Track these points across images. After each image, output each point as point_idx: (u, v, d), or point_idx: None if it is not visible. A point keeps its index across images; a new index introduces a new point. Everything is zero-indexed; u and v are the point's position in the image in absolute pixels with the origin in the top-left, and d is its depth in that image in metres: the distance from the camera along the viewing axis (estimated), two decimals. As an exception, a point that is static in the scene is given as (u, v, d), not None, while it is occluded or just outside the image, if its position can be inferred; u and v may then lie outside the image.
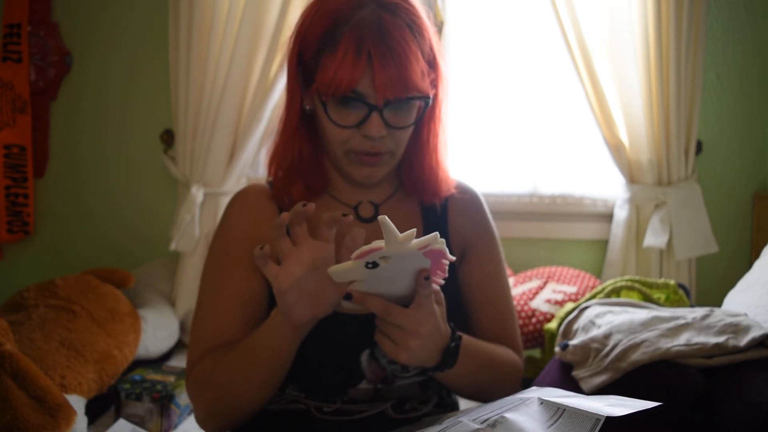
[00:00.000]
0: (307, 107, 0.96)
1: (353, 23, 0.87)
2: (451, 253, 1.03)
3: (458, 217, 1.07)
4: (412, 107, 0.92)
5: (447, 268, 0.81)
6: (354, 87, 0.87)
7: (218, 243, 1.02)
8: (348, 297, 0.80)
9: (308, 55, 0.92)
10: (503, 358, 1.03)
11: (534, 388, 0.86)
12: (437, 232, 0.75)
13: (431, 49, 0.93)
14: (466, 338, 0.94)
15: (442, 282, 0.83)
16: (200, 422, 0.97)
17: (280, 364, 0.89)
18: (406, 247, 0.73)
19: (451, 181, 1.05)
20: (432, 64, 0.93)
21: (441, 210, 1.06)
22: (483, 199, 1.11)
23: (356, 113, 0.90)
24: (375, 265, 0.75)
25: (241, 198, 1.05)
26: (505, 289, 1.10)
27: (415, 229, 0.74)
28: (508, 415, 0.73)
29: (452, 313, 0.91)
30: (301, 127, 0.98)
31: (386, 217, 0.72)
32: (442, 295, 0.86)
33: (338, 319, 0.91)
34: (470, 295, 1.06)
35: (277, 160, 1.01)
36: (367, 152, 0.93)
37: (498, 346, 1.04)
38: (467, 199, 1.08)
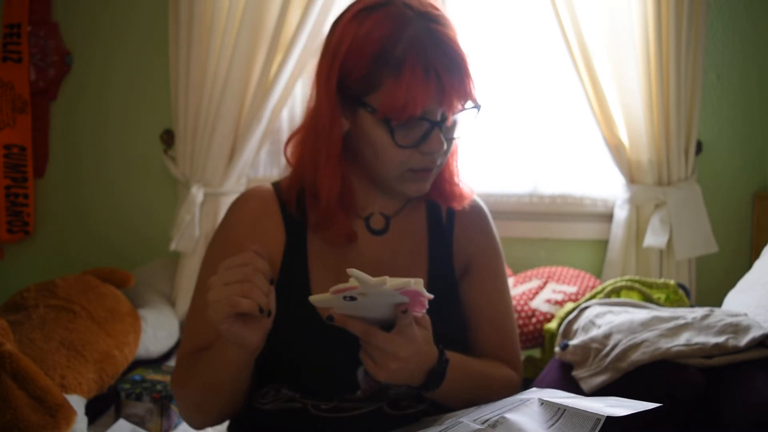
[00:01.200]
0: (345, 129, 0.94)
1: (409, 41, 0.85)
2: (453, 266, 1.05)
3: (463, 232, 1.07)
4: (458, 117, 0.93)
5: (426, 303, 0.81)
6: (426, 107, 0.86)
7: (216, 245, 1.02)
8: (330, 319, 0.81)
9: (354, 78, 0.89)
10: (498, 377, 1.03)
11: (534, 389, 0.87)
12: (410, 279, 0.75)
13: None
14: (459, 358, 0.94)
15: (422, 314, 0.84)
16: (183, 418, 0.99)
17: (243, 374, 0.90)
18: (381, 288, 0.74)
19: (468, 187, 1.06)
20: None
21: (447, 223, 1.06)
22: (489, 215, 1.11)
23: (416, 132, 0.89)
24: (353, 298, 0.76)
25: (243, 202, 1.03)
26: (507, 305, 1.09)
27: (386, 277, 0.74)
28: (508, 415, 0.73)
29: (452, 328, 0.91)
30: (343, 156, 0.96)
31: (354, 270, 0.73)
32: (428, 318, 0.86)
33: (335, 334, 0.91)
34: (471, 310, 1.06)
35: (317, 193, 0.97)
36: (426, 168, 0.92)
37: (494, 363, 1.04)
38: (474, 214, 1.08)
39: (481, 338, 1.06)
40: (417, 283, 0.76)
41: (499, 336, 1.07)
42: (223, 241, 1.01)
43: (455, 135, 0.94)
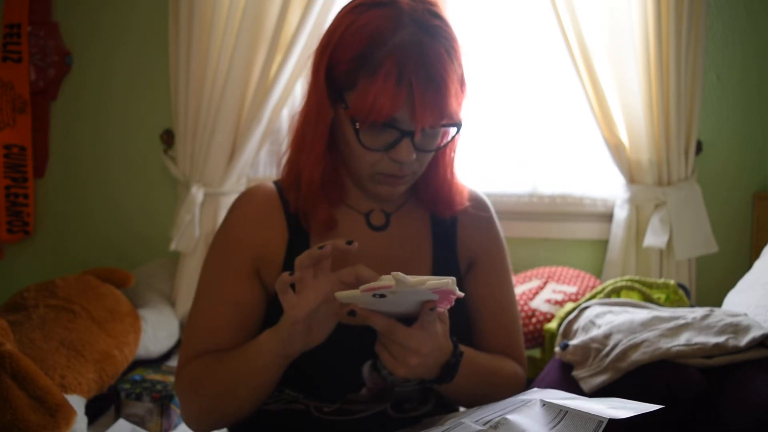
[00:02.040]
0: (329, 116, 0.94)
1: (393, 46, 0.85)
2: (457, 262, 1.04)
3: (468, 229, 1.06)
4: (440, 131, 0.92)
5: (454, 301, 0.81)
6: (393, 115, 0.86)
7: (219, 245, 1.01)
8: (352, 314, 0.81)
9: (339, 70, 0.89)
10: (505, 371, 1.03)
11: (535, 389, 0.86)
12: (448, 280, 0.75)
13: (462, 70, 0.92)
14: (469, 352, 0.93)
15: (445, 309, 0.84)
16: (187, 423, 0.98)
17: (270, 383, 0.91)
18: (418, 288, 0.74)
19: (465, 193, 1.05)
20: (461, 85, 0.92)
21: (450, 220, 1.05)
22: (493, 211, 1.10)
23: (386, 137, 0.89)
24: (383, 296, 0.75)
25: (246, 200, 1.03)
26: (511, 302, 1.09)
27: (425, 277, 0.74)
28: (509, 416, 0.73)
29: (456, 323, 0.91)
30: (329, 145, 0.96)
31: (399, 273, 0.73)
32: (446, 313, 0.86)
33: (341, 330, 0.91)
34: (475, 307, 1.06)
35: (299, 177, 0.97)
36: (394, 175, 0.92)
37: (501, 358, 1.04)
38: (478, 210, 1.07)
39: (485, 334, 1.06)
40: (453, 283, 0.76)
41: (504, 332, 1.07)
42: (226, 239, 1.01)
43: (433, 147, 0.93)
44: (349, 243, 0.83)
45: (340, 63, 0.89)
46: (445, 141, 0.95)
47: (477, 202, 1.08)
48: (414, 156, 0.90)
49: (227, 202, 1.84)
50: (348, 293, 0.77)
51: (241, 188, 1.87)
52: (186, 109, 1.80)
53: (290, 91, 1.80)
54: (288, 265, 0.98)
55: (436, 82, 0.85)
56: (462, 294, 0.80)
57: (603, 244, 1.93)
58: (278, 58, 1.75)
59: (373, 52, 0.85)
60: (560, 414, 0.72)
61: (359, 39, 0.87)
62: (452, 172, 1.02)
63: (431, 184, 1.02)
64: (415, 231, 1.04)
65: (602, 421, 0.68)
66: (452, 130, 0.93)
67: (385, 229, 1.02)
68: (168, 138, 1.94)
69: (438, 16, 0.89)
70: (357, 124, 0.87)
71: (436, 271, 1.03)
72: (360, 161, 0.92)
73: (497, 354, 1.05)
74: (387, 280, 0.74)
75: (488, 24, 1.90)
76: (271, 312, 0.98)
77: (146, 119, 1.96)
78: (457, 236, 1.06)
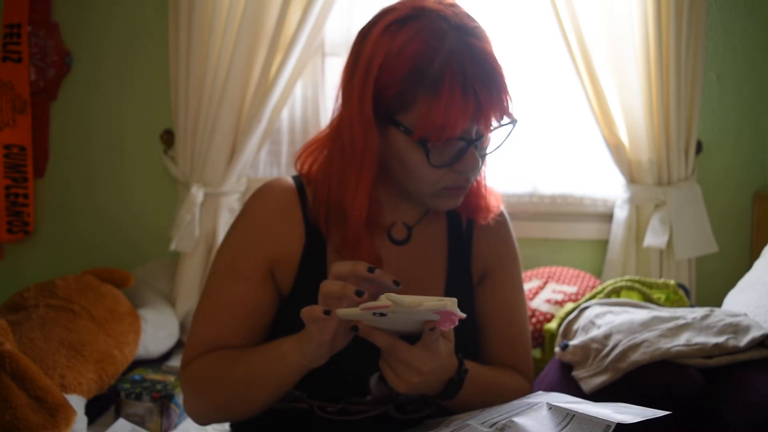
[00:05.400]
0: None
1: (446, 57, 0.82)
2: (471, 275, 1.04)
3: (483, 242, 1.05)
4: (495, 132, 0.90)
5: (457, 321, 0.81)
6: (465, 127, 0.83)
7: (234, 241, 0.99)
8: (354, 329, 0.80)
9: (388, 94, 0.85)
10: (508, 386, 1.01)
11: (540, 392, 0.86)
12: (446, 301, 0.74)
13: None
14: (473, 368, 0.92)
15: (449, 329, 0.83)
16: (191, 415, 0.97)
17: (286, 388, 0.90)
18: (415, 309, 0.74)
19: (498, 195, 1.03)
20: None
21: (466, 231, 1.04)
22: (509, 221, 1.09)
23: (450, 151, 0.86)
24: (383, 314, 0.75)
25: (263, 198, 0.99)
26: (522, 314, 1.08)
27: (422, 298, 0.73)
28: (516, 419, 0.73)
29: (464, 333, 0.90)
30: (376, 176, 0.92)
31: (391, 294, 0.73)
32: (452, 331, 0.85)
33: (354, 339, 0.89)
34: (485, 318, 1.05)
35: (342, 212, 0.93)
36: (459, 187, 0.90)
37: (506, 372, 1.03)
38: (494, 220, 1.05)
39: (493, 345, 1.05)
40: (452, 304, 0.75)
41: (512, 344, 1.05)
42: (241, 237, 0.98)
43: (488, 151, 0.92)
44: (371, 270, 0.80)
45: (387, 88, 0.85)
46: (500, 140, 0.92)
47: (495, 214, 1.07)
48: (479, 164, 0.88)
49: (227, 202, 1.84)
50: (349, 310, 0.77)
51: (242, 188, 1.87)
52: (186, 109, 1.80)
53: (290, 91, 1.80)
54: (303, 268, 0.96)
55: (496, 83, 0.84)
56: (464, 315, 0.78)
57: (603, 244, 1.93)
58: (278, 58, 1.75)
59: (426, 67, 0.82)
60: (567, 417, 0.72)
61: (406, 58, 0.83)
62: (485, 177, 1.01)
63: (472, 190, 1.00)
64: (432, 244, 1.02)
65: (610, 425, 0.68)
66: (506, 128, 0.91)
67: (406, 242, 1.01)
68: (168, 138, 1.94)
69: (471, 18, 0.88)
70: (428, 144, 0.84)
71: (449, 285, 1.02)
72: (424, 180, 0.89)
73: (503, 366, 1.04)
74: (385, 300, 0.74)
75: (488, 24, 1.89)
76: (283, 311, 0.97)
77: (146, 119, 1.96)
78: (472, 248, 1.04)
